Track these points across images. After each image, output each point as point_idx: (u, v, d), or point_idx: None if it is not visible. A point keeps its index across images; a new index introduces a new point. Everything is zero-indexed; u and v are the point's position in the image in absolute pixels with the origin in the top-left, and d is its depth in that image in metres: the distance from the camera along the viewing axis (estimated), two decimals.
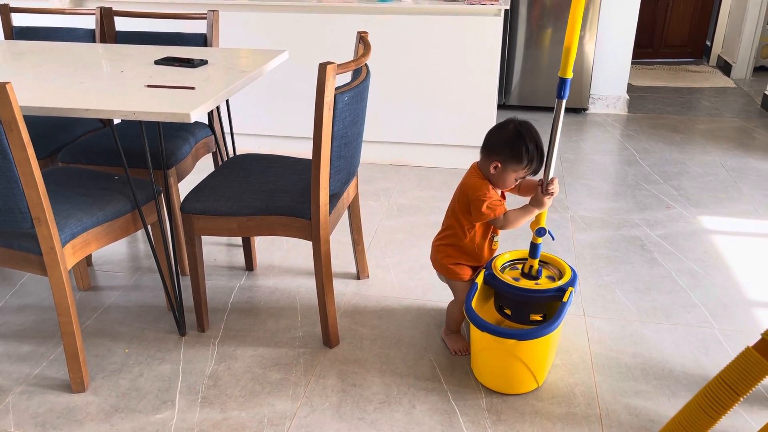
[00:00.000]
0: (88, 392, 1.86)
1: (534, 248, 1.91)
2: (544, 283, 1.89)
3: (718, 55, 5.75)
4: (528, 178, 1.89)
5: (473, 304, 1.86)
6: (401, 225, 2.83)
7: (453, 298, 2.03)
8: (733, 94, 4.98)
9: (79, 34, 2.64)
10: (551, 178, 1.82)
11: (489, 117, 3.33)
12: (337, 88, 1.77)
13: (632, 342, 2.07)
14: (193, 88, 1.88)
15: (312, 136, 1.78)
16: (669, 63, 5.88)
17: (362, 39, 2.04)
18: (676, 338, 2.09)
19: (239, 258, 2.58)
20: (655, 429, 1.72)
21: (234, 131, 3.57)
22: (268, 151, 3.64)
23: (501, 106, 4.49)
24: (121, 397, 1.84)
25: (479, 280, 1.94)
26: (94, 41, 2.63)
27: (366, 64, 2.03)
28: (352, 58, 1.90)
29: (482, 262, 1.97)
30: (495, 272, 1.94)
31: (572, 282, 1.90)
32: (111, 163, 2.27)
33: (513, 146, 1.77)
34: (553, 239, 1.96)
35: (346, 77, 1.93)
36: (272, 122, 3.60)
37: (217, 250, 2.65)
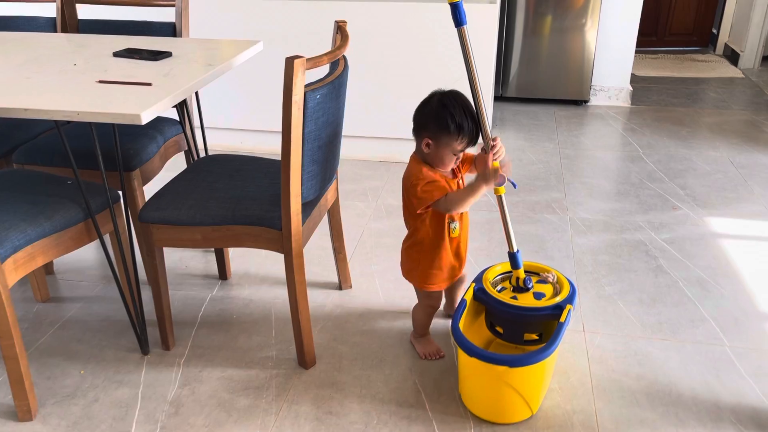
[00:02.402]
0: (36, 421, 1.69)
1: (513, 258, 1.75)
2: (526, 301, 1.71)
3: (725, 44, 5.53)
4: (480, 153, 1.70)
5: (461, 323, 1.68)
6: (389, 228, 2.65)
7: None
8: (741, 84, 4.77)
9: (40, 24, 2.44)
10: (493, 138, 1.65)
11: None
12: (308, 85, 1.58)
13: (636, 362, 1.89)
14: (149, 84, 1.69)
15: None
16: (674, 52, 5.66)
17: (340, 29, 1.85)
18: (684, 357, 1.91)
19: (211, 266, 2.39)
20: None
21: (214, 126, 3.39)
22: (251, 147, 3.47)
23: (498, 98, 4.28)
24: (72, 427, 1.66)
25: (468, 296, 1.76)
26: (55, 31, 2.43)
27: (344, 57, 1.83)
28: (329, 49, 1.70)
29: (450, 260, 1.78)
30: (485, 286, 1.77)
31: (570, 299, 1.72)
32: (66, 164, 2.08)
33: (438, 118, 1.61)
34: (515, 187, 1.74)
35: (321, 71, 1.73)
36: (254, 116, 3.40)
37: (190, 256, 2.46)
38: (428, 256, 1.77)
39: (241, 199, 1.77)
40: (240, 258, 2.42)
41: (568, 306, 1.69)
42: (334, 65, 1.80)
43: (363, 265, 2.39)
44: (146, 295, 2.00)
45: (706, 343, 1.97)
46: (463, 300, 1.75)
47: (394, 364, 1.89)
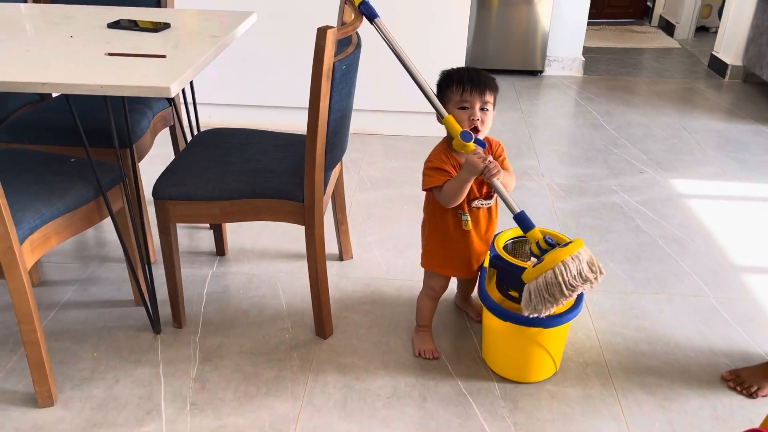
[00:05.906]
0: (58, 406, 1.64)
1: (521, 220, 1.63)
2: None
3: (660, 16, 5.80)
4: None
5: (488, 288, 1.74)
6: (376, 198, 2.67)
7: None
8: (678, 54, 5.03)
9: None
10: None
11: None
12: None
13: (633, 315, 2.02)
14: (164, 56, 1.64)
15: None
16: (613, 23, 5.89)
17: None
18: (675, 309, 2.05)
19: (205, 242, 2.35)
20: (673, 407, 1.68)
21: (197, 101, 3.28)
22: (237, 123, 3.38)
23: None
24: (97, 410, 1.63)
25: (486, 263, 1.82)
26: (24, 1, 2.29)
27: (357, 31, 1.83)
28: (343, 22, 1.70)
29: (458, 251, 1.76)
30: (499, 252, 1.83)
31: None
32: (59, 141, 2.00)
33: (442, 79, 1.65)
34: (483, 147, 1.62)
35: None
36: (240, 90, 3.29)
37: (180, 234, 2.41)
38: (433, 235, 1.77)
39: (259, 172, 1.76)
40: (233, 233, 2.39)
41: None
42: (347, 38, 1.80)
43: (359, 236, 2.41)
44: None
45: (692, 296, 2.12)
46: (483, 268, 1.79)
47: (409, 329, 1.94)
